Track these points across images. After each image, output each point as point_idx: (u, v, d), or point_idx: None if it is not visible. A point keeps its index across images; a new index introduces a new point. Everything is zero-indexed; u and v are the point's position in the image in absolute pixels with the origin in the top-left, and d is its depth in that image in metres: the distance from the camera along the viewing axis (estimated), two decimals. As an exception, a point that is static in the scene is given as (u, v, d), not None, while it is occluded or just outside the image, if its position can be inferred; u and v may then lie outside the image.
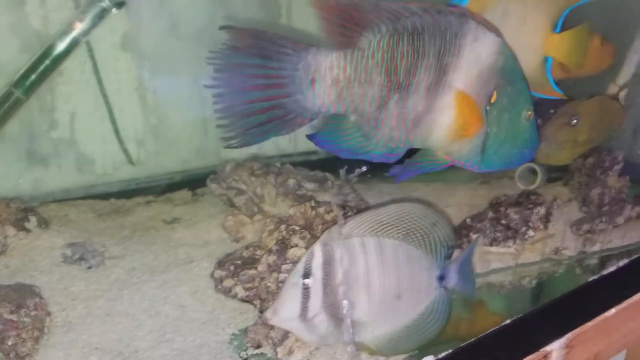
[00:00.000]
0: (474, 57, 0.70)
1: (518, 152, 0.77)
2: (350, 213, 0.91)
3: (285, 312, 0.69)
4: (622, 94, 1.20)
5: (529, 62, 0.78)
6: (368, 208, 1.07)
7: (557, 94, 0.87)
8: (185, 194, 1.24)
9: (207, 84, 0.68)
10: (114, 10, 1.10)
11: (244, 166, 1.08)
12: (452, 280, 0.76)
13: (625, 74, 1.21)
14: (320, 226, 0.92)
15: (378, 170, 1.29)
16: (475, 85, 0.71)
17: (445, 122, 0.71)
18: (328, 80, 0.69)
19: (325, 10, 0.67)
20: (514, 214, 1.04)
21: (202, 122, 1.27)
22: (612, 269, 0.98)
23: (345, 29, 0.68)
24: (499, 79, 0.71)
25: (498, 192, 1.18)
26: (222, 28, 0.67)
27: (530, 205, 1.05)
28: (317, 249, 0.68)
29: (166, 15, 1.20)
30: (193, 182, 1.24)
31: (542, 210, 1.05)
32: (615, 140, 1.28)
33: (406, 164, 0.76)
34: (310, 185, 1.07)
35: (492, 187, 1.25)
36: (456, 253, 0.80)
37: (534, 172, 1.23)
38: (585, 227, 1.07)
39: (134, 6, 1.15)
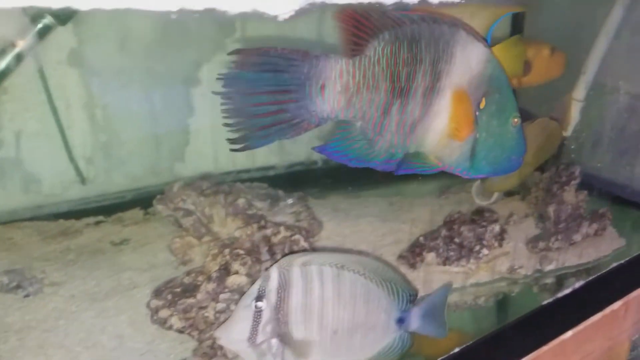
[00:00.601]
0: (465, 64, 0.73)
1: (506, 158, 0.79)
2: (297, 237, 0.88)
3: (234, 334, 0.67)
4: (576, 109, 1.19)
5: None
6: (320, 226, 1.05)
7: None
8: (136, 213, 1.20)
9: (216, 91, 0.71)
10: (59, 26, 1.07)
11: (192, 185, 1.05)
12: (414, 324, 0.75)
13: (582, 88, 1.20)
14: (266, 249, 0.89)
15: (335, 184, 1.29)
16: (466, 92, 0.74)
17: (438, 126, 0.74)
18: (338, 86, 0.71)
19: (344, 20, 0.70)
20: (467, 232, 1.02)
21: (155, 139, 1.24)
22: (568, 290, 0.96)
23: (358, 37, 0.71)
24: (487, 86, 0.74)
25: (455, 207, 1.17)
26: (231, 54, 0.69)
27: (484, 223, 1.04)
28: (274, 272, 0.67)
29: (116, 30, 1.17)
30: (145, 201, 1.21)
31: (496, 228, 1.04)
32: (574, 153, 1.28)
33: (403, 159, 0.77)
34: (261, 204, 1.04)
35: (450, 202, 1.24)
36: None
37: (491, 186, 1.21)
38: (542, 244, 1.05)
39: (82, 21, 1.11)
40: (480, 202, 1.22)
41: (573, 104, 1.20)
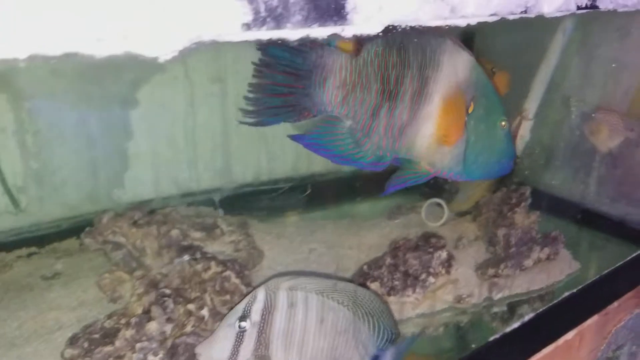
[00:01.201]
0: (451, 71, 0.75)
1: (497, 161, 0.81)
2: (228, 273, 0.84)
3: (214, 352, 0.67)
4: (525, 127, 1.16)
5: None
6: (260, 255, 1.00)
7: None
8: (72, 243, 1.14)
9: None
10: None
11: (124, 216, 1.00)
12: None
13: (531, 107, 1.17)
14: (198, 285, 0.84)
15: (284, 205, 1.24)
16: (455, 97, 0.76)
17: (427, 131, 0.76)
18: (337, 81, 0.73)
19: None
20: (413, 260, 0.98)
21: (92, 164, 1.18)
22: (519, 321, 0.93)
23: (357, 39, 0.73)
24: (474, 91, 0.76)
25: (404, 230, 1.13)
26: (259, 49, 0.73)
27: (431, 249, 1.00)
28: (261, 294, 0.67)
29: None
30: (82, 229, 1.15)
31: (443, 254, 1.00)
32: (527, 171, 1.25)
33: (391, 179, 0.79)
34: (197, 234, 0.99)
35: (399, 224, 1.20)
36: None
37: (441, 206, 1.18)
38: (491, 271, 1.02)
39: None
40: (431, 223, 1.18)
41: (522, 123, 1.17)
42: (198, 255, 0.93)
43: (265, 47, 0.73)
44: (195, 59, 1.20)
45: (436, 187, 1.26)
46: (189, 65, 1.19)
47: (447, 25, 0.60)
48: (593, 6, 0.76)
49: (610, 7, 0.79)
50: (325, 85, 0.74)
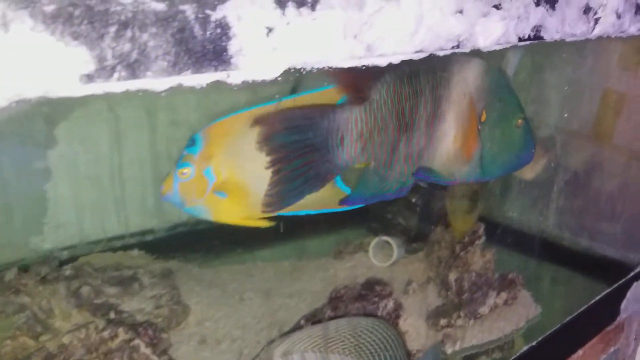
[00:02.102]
0: (462, 83, 0.74)
1: (515, 157, 0.80)
2: (137, 342, 0.73)
3: None
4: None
5: None
6: (186, 311, 0.90)
7: None
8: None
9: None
10: None
11: (29, 272, 0.89)
12: None
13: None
14: (103, 356, 0.74)
15: (223, 246, 1.14)
16: (465, 111, 0.75)
17: (444, 148, 0.76)
18: (354, 134, 0.71)
19: (342, 78, 0.70)
20: (355, 311, 0.89)
21: (5, 210, 1.07)
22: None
23: (363, 87, 0.71)
24: (486, 98, 0.75)
25: (349, 273, 1.04)
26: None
27: (376, 299, 0.91)
28: None
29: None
30: (-6, 282, 1.03)
31: (390, 304, 0.91)
32: (483, 203, 1.18)
33: (417, 170, 0.77)
34: (112, 290, 0.89)
35: (344, 264, 1.11)
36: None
37: (390, 244, 1.10)
38: (443, 321, 0.93)
39: None
40: (379, 263, 1.10)
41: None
42: (112, 315, 0.83)
43: (269, 139, 0.68)
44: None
45: (386, 223, 1.18)
46: (113, 98, 1.08)
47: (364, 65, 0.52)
48: (537, 37, 0.69)
49: (557, 37, 0.72)
50: (344, 144, 0.71)
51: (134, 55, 0.36)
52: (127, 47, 0.36)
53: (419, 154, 0.75)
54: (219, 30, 0.39)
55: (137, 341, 0.73)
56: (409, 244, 1.13)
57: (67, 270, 0.90)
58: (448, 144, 0.76)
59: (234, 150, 0.74)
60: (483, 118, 0.76)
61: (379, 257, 1.11)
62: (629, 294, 1.13)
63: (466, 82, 0.75)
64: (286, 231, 1.26)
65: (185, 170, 0.73)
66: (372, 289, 0.92)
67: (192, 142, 0.74)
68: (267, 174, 0.68)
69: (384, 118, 0.72)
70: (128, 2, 0.35)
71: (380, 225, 1.16)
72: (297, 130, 0.69)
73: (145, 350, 0.72)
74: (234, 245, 1.19)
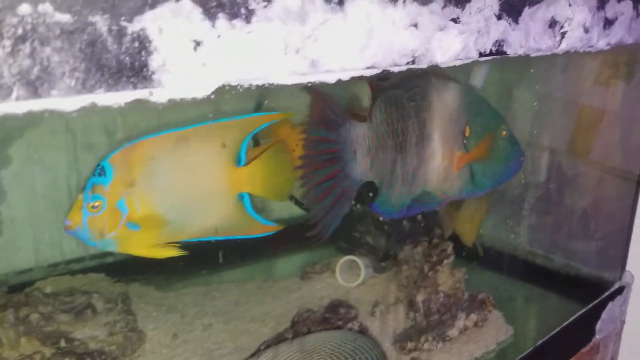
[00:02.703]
0: (442, 106, 0.78)
1: (504, 167, 0.83)
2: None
3: None
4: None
5: (220, 205, 0.75)
6: (141, 338, 0.86)
7: (271, 227, 0.78)
8: None
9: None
10: None
11: (-25, 299, 0.84)
12: None
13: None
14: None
15: (188, 267, 1.09)
16: (449, 128, 0.79)
17: (434, 167, 0.79)
18: (364, 149, 0.74)
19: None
20: (319, 336, 0.85)
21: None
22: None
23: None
24: (467, 115, 0.79)
25: (315, 295, 1.01)
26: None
27: (340, 322, 0.87)
28: None
29: None
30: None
31: (354, 327, 0.87)
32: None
33: (411, 204, 0.80)
34: (64, 317, 0.84)
35: (311, 285, 1.07)
36: None
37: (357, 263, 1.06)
38: (410, 345, 0.89)
39: None
40: (346, 284, 1.06)
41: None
42: (62, 343, 0.79)
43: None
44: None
45: (354, 242, 1.14)
46: (70, 117, 1.04)
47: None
48: (500, 52, 0.66)
49: (521, 52, 0.69)
50: (357, 157, 0.74)
51: (35, 72, 0.33)
52: (26, 63, 0.32)
53: (413, 173, 0.78)
54: (136, 44, 0.36)
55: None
56: (378, 264, 1.09)
57: (18, 296, 0.85)
58: (436, 162, 0.79)
59: (148, 178, 0.69)
60: (467, 133, 0.79)
61: (347, 277, 1.07)
62: (603, 315, 1.10)
63: (446, 103, 0.79)
64: (254, 251, 1.23)
65: (96, 204, 0.68)
66: (336, 311, 0.89)
67: (101, 171, 0.69)
68: (183, 200, 0.70)
69: (382, 137, 0.75)
70: (26, 13, 0.31)
71: (349, 244, 1.12)
72: (325, 127, 0.72)
73: (90, 383, 0.68)
74: (199, 266, 1.15)
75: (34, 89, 0.33)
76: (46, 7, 0.32)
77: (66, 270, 1.08)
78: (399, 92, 0.76)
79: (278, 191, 0.79)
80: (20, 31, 0.32)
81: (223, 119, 0.73)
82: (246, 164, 0.74)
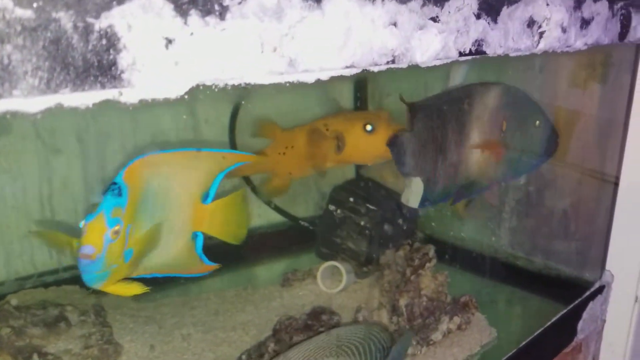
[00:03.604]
0: (481, 108, 0.88)
1: (539, 152, 0.94)
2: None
3: None
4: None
5: (177, 242, 0.71)
6: (117, 351, 0.83)
7: (211, 267, 0.76)
8: None
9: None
10: None
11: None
12: None
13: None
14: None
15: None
16: (487, 126, 0.89)
17: (475, 160, 0.89)
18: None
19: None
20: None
21: None
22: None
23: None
24: (504, 112, 0.89)
25: (296, 302, 0.99)
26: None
27: (322, 329, 0.86)
28: None
29: None
30: None
31: (337, 334, 0.85)
32: (434, 223, 1.14)
33: (458, 190, 0.90)
34: (36, 331, 0.81)
35: (292, 291, 1.06)
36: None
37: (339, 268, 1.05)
38: (393, 349, 0.88)
39: None
40: (328, 290, 1.05)
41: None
42: (35, 358, 0.76)
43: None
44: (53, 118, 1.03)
45: (336, 247, 1.13)
46: (41, 124, 1.01)
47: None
48: (479, 52, 0.65)
49: (500, 51, 0.69)
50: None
51: (-6, 71, 0.31)
52: (-15, 61, 0.30)
53: (455, 170, 0.88)
54: (104, 42, 0.34)
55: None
56: (360, 269, 1.08)
57: (-8, 309, 0.82)
58: (477, 156, 0.89)
59: (144, 202, 0.64)
60: (504, 127, 0.90)
61: (329, 283, 1.06)
62: (585, 314, 1.10)
63: (485, 106, 0.89)
64: (234, 259, 1.21)
65: (117, 228, 0.60)
66: (318, 318, 0.87)
67: (117, 191, 0.61)
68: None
69: (425, 142, 0.84)
70: (-17, 8, 0.30)
71: (330, 250, 1.11)
72: None
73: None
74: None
75: (-8, 88, 0.31)
76: (5, 2, 0.31)
77: (39, 282, 1.05)
78: (437, 105, 0.86)
79: (234, 234, 0.78)
80: (-23, 27, 0.30)
81: (202, 148, 0.70)
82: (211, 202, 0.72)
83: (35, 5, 0.32)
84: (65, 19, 0.32)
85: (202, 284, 1.13)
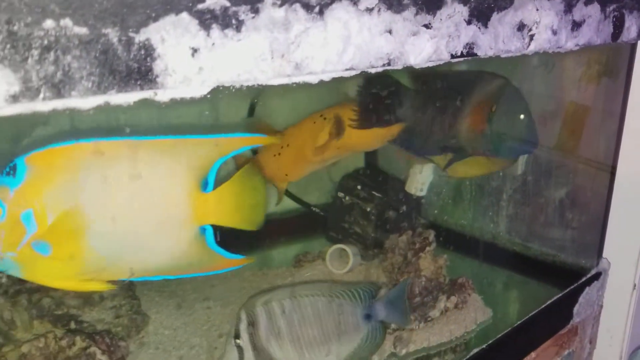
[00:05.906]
0: (480, 91, 1.02)
1: (517, 141, 1.03)
2: (93, 349, 0.76)
3: None
4: (428, 167, 1.13)
5: (179, 238, 0.63)
6: (145, 320, 0.92)
7: (237, 261, 0.68)
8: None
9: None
10: None
11: (-11, 284, 0.90)
12: (380, 314, 0.88)
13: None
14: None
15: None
16: (481, 102, 1.02)
17: (461, 127, 1.03)
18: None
19: None
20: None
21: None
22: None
23: None
24: (495, 98, 1.00)
25: (306, 280, 1.07)
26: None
27: (330, 305, 0.93)
28: (242, 314, 0.80)
29: None
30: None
31: (343, 310, 0.93)
32: (436, 210, 1.21)
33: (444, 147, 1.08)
34: (73, 302, 0.90)
35: (303, 272, 1.15)
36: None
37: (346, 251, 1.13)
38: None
39: None
40: (336, 270, 1.13)
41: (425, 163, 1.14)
42: (72, 325, 0.85)
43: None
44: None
45: (344, 232, 1.21)
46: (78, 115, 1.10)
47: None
48: (470, 54, 0.72)
49: (491, 53, 0.75)
50: None
51: (59, 76, 0.39)
52: (51, 69, 0.38)
53: (448, 127, 1.03)
54: (142, 52, 0.42)
55: (93, 349, 0.75)
56: (365, 251, 1.16)
57: (29, 282, 0.91)
58: (465, 123, 1.02)
59: (75, 191, 0.55)
60: (493, 109, 1.00)
61: (337, 264, 1.14)
62: (581, 299, 1.16)
63: (484, 90, 1.02)
64: (250, 242, 1.29)
65: None
66: (325, 295, 0.95)
67: (11, 170, 0.54)
68: (125, 229, 0.57)
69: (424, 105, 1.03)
70: (50, 27, 0.38)
71: (339, 234, 1.19)
72: None
73: (101, 357, 0.75)
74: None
75: (57, 90, 0.39)
76: (67, 22, 0.39)
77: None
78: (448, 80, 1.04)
79: (250, 220, 0.68)
80: (45, 42, 0.38)
81: (196, 135, 0.63)
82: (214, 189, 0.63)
83: (89, 23, 0.40)
84: (112, 34, 0.41)
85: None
